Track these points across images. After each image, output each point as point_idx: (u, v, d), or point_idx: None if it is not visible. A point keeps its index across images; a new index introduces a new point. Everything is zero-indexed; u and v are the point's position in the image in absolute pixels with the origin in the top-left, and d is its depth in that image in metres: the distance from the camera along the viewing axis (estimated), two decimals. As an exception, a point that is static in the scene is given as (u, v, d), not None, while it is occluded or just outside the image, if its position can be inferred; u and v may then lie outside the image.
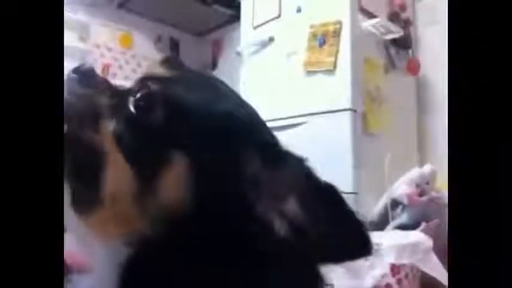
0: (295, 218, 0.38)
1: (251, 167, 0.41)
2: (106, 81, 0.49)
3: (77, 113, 0.44)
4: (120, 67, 3.03)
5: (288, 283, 0.41)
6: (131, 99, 0.43)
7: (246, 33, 2.42)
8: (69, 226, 0.43)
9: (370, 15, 1.98)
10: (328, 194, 0.40)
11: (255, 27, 2.34)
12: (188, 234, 0.40)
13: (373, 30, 1.97)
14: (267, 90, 2.15)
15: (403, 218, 1.64)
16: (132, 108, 0.43)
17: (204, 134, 0.42)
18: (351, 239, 0.39)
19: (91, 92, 0.47)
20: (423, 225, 1.52)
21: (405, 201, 1.66)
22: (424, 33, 2.32)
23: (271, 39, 2.21)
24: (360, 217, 0.39)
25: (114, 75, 2.92)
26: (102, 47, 2.94)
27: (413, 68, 2.23)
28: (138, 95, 0.43)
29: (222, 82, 0.49)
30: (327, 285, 0.43)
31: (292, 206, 0.38)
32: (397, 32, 2.04)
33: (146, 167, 0.41)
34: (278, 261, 0.39)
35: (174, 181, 0.40)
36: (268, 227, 0.38)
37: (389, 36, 2.04)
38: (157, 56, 3.22)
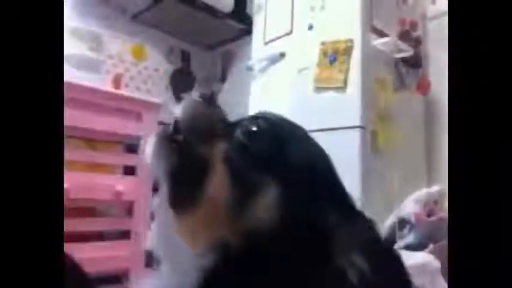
0: (361, 268, 0.43)
1: (331, 214, 0.47)
2: (221, 109, 0.58)
3: (198, 128, 0.53)
4: (132, 78, 3.07)
5: None
6: (242, 129, 0.52)
7: (257, 48, 2.44)
8: (161, 226, 0.52)
9: (381, 34, 1.99)
10: (389, 254, 0.48)
11: (266, 43, 2.37)
12: (267, 252, 0.46)
13: (384, 48, 1.98)
14: (277, 105, 2.15)
15: (411, 237, 1.63)
16: (242, 136, 0.52)
17: (298, 173, 0.49)
18: None
19: (212, 113, 0.55)
20: (431, 246, 1.51)
21: (413, 220, 1.65)
22: (435, 53, 2.32)
23: (282, 55, 2.23)
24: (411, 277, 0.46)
25: (126, 85, 2.95)
26: (115, 58, 2.98)
27: (423, 87, 2.23)
28: (250, 128, 0.52)
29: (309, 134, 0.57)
30: None
31: (358, 257, 0.44)
32: (407, 51, 2.05)
33: (244, 185, 0.48)
34: None
35: (264, 203, 0.47)
36: (341, 269, 0.44)
37: (400, 55, 2.05)
38: (169, 68, 3.23)
